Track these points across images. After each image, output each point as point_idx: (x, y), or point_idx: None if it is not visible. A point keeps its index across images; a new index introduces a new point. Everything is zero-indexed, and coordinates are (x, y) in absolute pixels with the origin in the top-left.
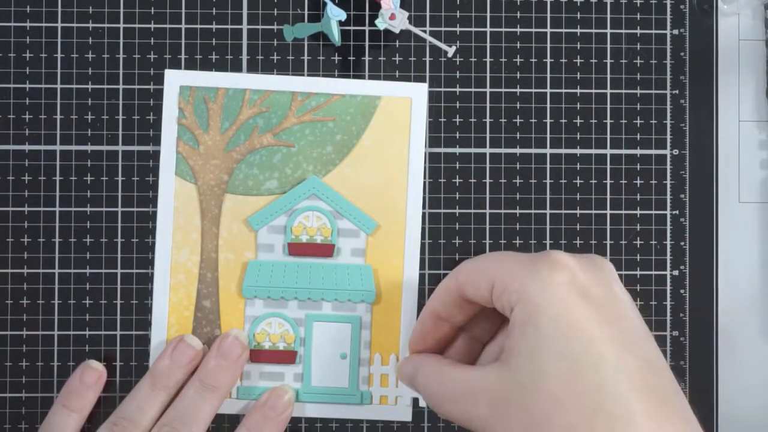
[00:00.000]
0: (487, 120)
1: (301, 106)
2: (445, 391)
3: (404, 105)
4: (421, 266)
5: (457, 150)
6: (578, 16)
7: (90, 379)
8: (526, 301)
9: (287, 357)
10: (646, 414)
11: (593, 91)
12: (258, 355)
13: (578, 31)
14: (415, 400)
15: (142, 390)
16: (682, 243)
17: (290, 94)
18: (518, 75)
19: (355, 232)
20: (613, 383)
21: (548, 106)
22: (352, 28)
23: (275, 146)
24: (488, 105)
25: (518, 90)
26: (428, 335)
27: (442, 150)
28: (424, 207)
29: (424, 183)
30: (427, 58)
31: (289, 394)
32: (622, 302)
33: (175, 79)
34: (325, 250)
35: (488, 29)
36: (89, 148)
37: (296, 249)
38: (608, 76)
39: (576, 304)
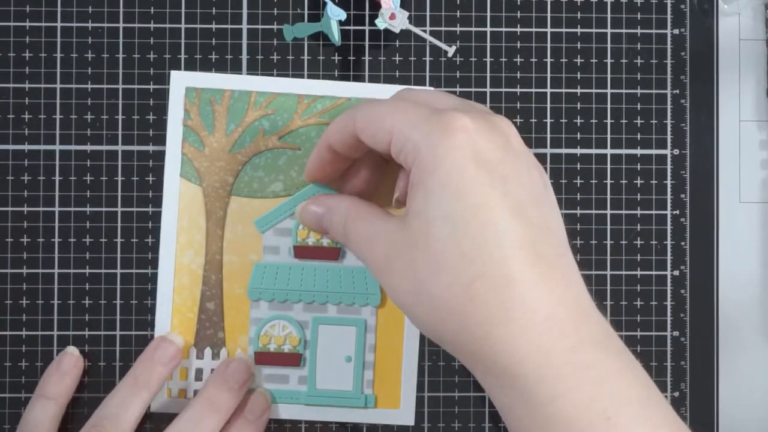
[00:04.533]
0: None
1: (307, 108)
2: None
3: None
4: None
5: None
6: (578, 16)
7: (66, 365)
8: (419, 162)
9: (292, 359)
10: (525, 278)
11: (593, 91)
12: (263, 358)
13: (578, 31)
14: (419, 404)
15: (124, 388)
16: (683, 243)
17: (296, 97)
18: (518, 75)
19: None
20: (494, 248)
21: (548, 106)
22: (352, 28)
23: (281, 149)
24: (488, 105)
25: (518, 90)
26: (325, 166)
27: None
28: None
29: None
30: (427, 58)
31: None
32: (517, 166)
33: (181, 81)
34: (331, 253)
35: (488, 29)
36: (89, 148)
37: (302, 252)
38: (608, 76)
39: (467, 167)
